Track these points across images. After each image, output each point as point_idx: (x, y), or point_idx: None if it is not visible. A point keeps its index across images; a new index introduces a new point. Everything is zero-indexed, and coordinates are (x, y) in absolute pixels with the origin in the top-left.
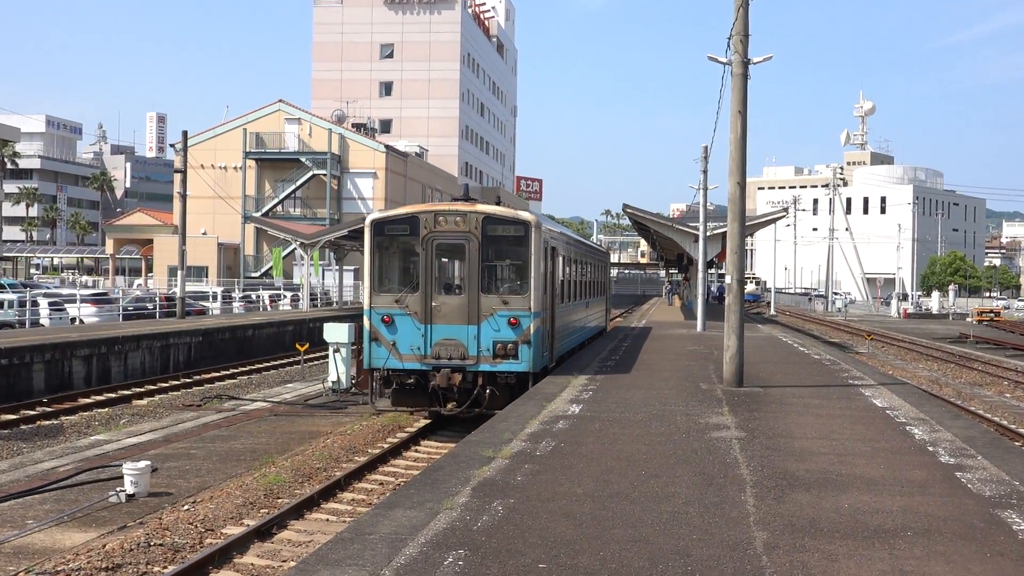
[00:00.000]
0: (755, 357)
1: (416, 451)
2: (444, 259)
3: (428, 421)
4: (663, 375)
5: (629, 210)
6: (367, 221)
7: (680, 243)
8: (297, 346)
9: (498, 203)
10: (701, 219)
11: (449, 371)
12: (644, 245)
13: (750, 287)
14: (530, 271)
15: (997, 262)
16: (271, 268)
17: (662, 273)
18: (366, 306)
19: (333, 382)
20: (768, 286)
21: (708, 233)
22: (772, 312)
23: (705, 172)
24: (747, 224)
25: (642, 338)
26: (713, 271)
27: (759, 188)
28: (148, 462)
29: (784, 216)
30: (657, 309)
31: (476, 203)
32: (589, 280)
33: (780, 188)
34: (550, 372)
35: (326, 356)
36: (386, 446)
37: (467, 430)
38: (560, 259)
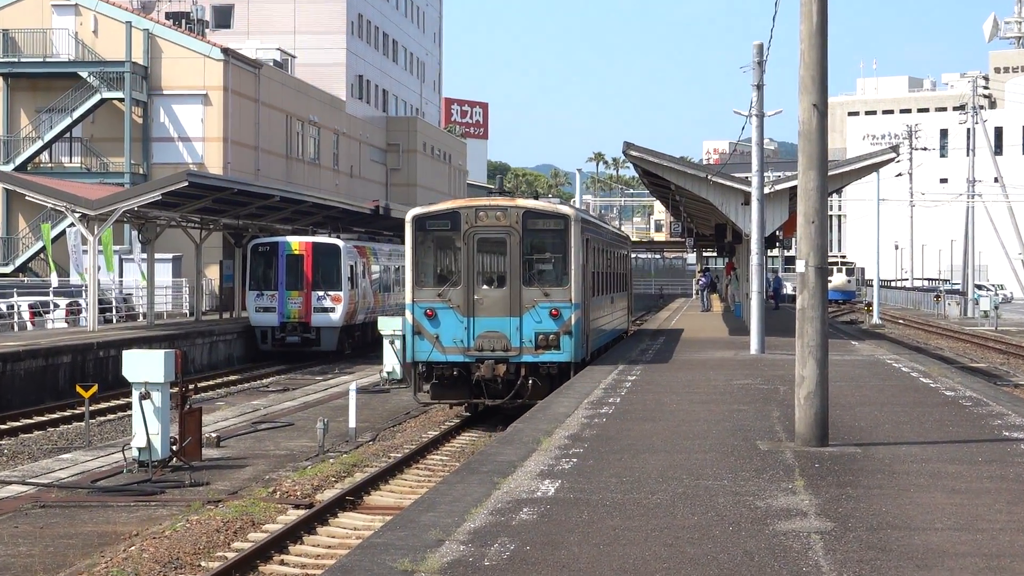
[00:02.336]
0: (848, 396)
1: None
2: (485, 253)
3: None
4: (697, 426)
5: (634, 153)
6: (408, 217)
7: (720, 206)
8: (79, 389)
9: (536, 197)
10: (754, 165)
11: (493, 362)
12: (660, 212)
13: (838, 279)
14: (570, 263)
15: None
16: (37, 255)
17: (690, 257)
18: (408, 300)
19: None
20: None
21: (768, 189)
22: (876, 319)
23: (759, 88)
24: (832, 174)
25: (662, 364)
26: (776, 253)
27: (850, 113)
28: None
29: (893, 159)
30: (685, 316)
31: (516, 198)
32: (613, 272)
33: (885, 113)
34: (587, 365)
35: (126, 405)
36: (231, 556)
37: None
38: (592, 251)
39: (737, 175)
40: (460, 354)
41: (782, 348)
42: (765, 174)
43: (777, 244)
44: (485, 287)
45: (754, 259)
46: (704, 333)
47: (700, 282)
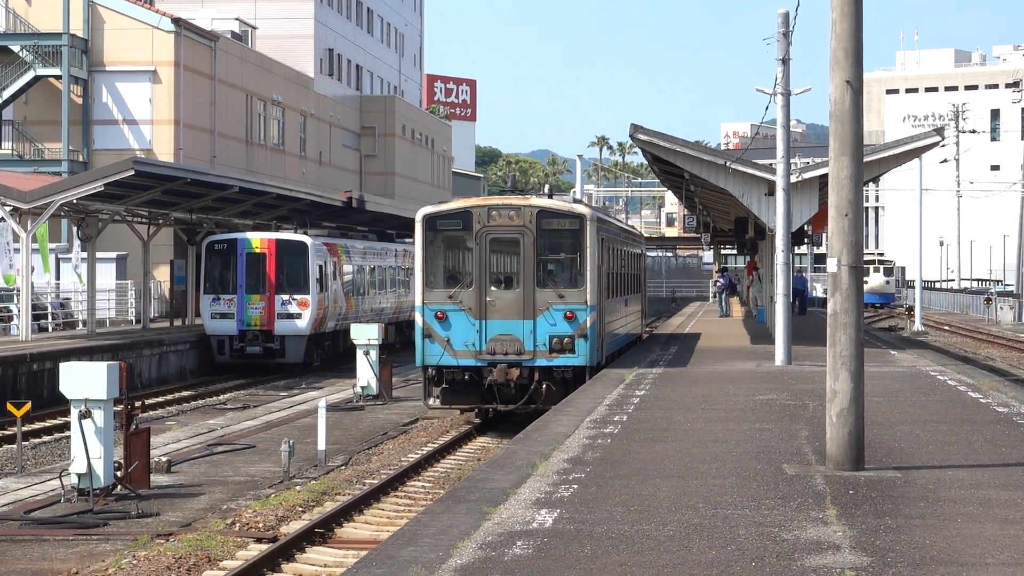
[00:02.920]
0: (887, 412)
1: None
2: (498, 254)
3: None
4: (715, 448)
5: (642, 137)
6: (418, 216)
7: (740, 197)
8: (10, 407)
9: (550, 196)
10: (779, 151)
11: (506, 366)
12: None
13: (875, 280)
14: (586, 264)
15: None
16: None
17: (706, 256)
18: (418, 303)
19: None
20: (908, 277)
21: (795, 178)
22: (918, 326)
23: (785, 62)
24: (868, 160)
25: (675, 376)
26: (804, 250)
27: (888, 91)
28: None
29: (937, 144)
30: (701, 322)
31: (529, 197)
32: (627, 273)
33: (929, 91)
34: (602, 368)
35: (64, 425)
36: None
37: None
38: (607, 251)
39: (760, 162)
40: (472, 358)
41: (811, 359)
42: (792, 160)
43: (805, 240)
44: (497, 289)
45: (779, 257)
46: (723, 341)
47: (717, 283)
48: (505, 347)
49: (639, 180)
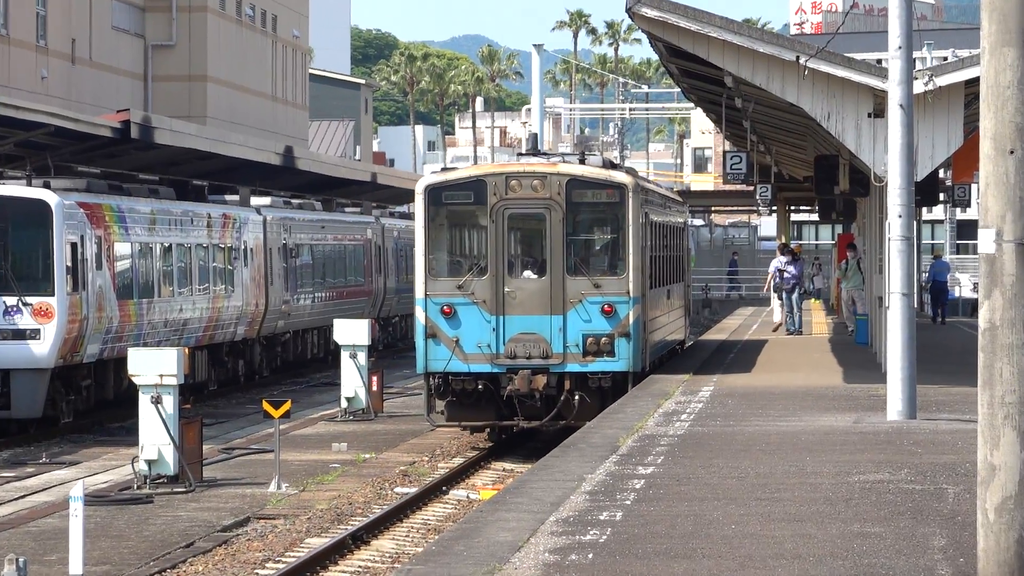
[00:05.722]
0: None
1: None
2: (519, 233)
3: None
4: (779, 571)
5: (649, 14)
6: (419, 187)
7: (823, 120)
8: None
9: (583, 161)
10: (894, 37)
11: (529, 373)
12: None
13: None
14: (627, 246)
15: None
16: None
17: (764, 225)
18: (420, 295)
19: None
20: None
21: (922, 86)
22: None
23: None
24: None
25: (710, 437)
26: (937, 215)
27: None
28: None
29: None
30: (753, 340)
31: (557, 163)
32: (670, 255)
33: None
34: (648, 375)
35: None
36: None
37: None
38: (651, 228)
39: (860, 57)
40: (487, 363)
41: (951, 407)
42: (917, 55)
43: (942, 198)
44: (519, 277)
45: (895, 226)
46: (793, 375)
47: (783, 275)
48: (528, 349)
49: (644, 89)
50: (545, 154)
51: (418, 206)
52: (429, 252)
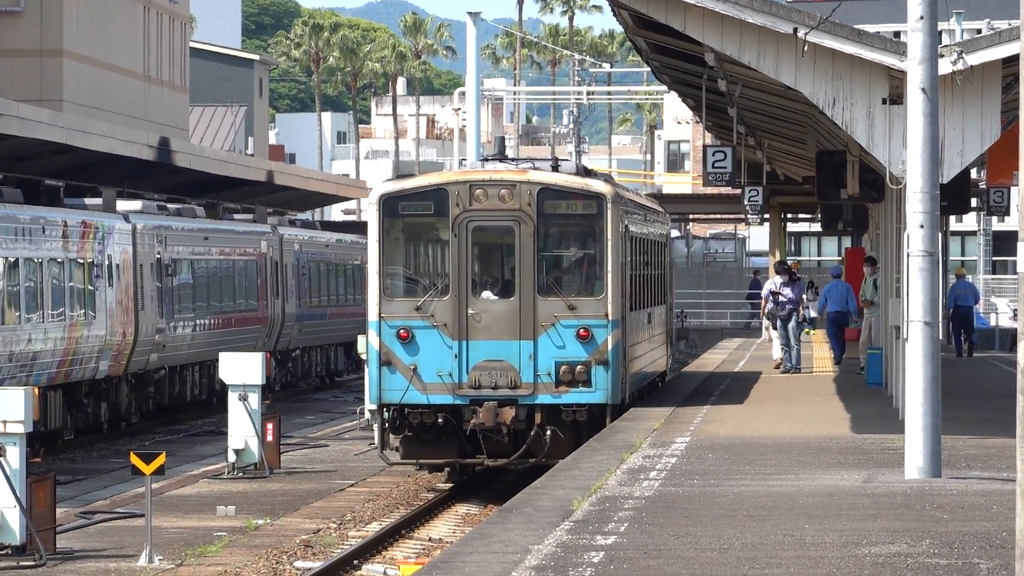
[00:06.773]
0: None
1: None
2: (484, 248)
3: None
4: None
5: None
6: (373, 196)
7: (827, 107)
8: None
9: (556, 168)
10: (914, 7)
11: (495, 405)
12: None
13: None
14: (606, 263)
15: None
16: None
17: (754, 237)
18: (372, 317)
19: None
20: None
21: (949, 65)
22: None
23: None
24: None
25: (687, 501)
26: (969, 225)
27: None
28: None
29: None
30: (744, 377)
31: (527, 170)
32: (651, 273)
33: None
34: (628, 408)
35: None
36: None
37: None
38: (631, 243)
39: (873, 29)
40: (448, 393)
41: (983, 463)
42: (943, 27)
43: (975, 204)
44: (484, 297)
45: (916, 240)
46: (791, 422)
47: (777, 298)
48: (494, 378)
49: (606, 69)
50: (513, 159)
51: (371, 218)
52: (384, 269)
